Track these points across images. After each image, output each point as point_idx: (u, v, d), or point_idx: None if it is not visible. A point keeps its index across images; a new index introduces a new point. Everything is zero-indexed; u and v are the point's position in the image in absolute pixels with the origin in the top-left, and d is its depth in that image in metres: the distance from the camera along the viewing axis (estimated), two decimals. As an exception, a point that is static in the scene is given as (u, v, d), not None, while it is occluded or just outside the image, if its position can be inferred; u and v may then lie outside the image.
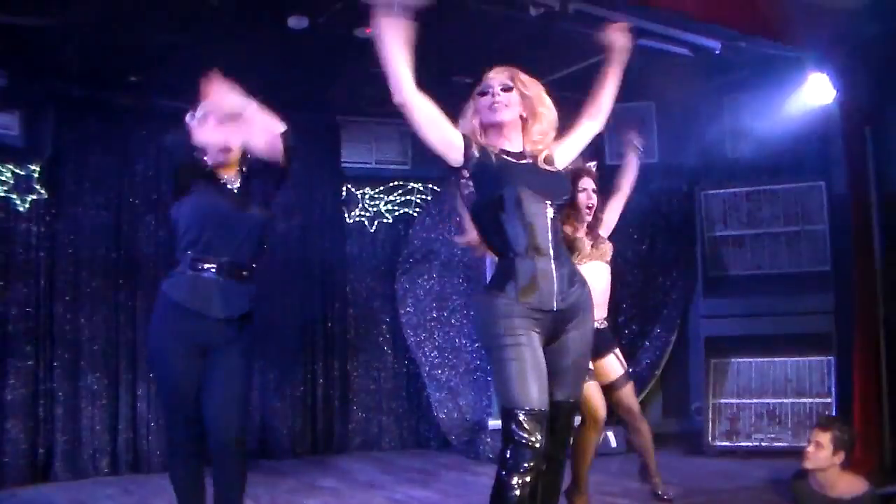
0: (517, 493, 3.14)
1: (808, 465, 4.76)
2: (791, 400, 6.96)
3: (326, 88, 7.28)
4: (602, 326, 5.04)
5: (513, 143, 3.57)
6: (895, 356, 6.06)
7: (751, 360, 7.19)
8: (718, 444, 7.09)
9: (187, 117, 4.03)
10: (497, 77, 3.56)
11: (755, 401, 7.09)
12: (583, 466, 4.98)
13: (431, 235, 8.08)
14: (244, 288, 4.04)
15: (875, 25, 5.94)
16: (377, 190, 8.30)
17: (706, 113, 7.70)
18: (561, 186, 3.60)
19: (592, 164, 5.28)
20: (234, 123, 3.97)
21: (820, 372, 6.91)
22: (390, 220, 8.33)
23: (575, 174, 5.03)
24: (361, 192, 8.26)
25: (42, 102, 6.79)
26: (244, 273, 4.04)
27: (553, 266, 3.38)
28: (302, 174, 7.82)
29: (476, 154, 3.43)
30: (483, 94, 3.56)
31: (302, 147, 7.65)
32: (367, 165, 8.22)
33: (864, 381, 5.99)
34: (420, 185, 8.36)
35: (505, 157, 3.48)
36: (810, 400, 6.89)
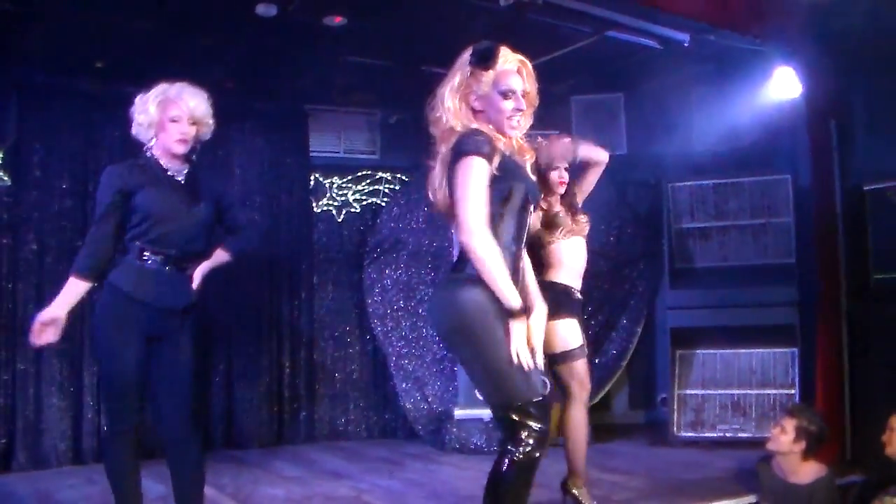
0: (533, 473, 3.24)
1: (770, 445, 4.89)
2: (755, 391, 7.03)
3: (295, 77, 7.25)
4: (578, 297, 5.05)
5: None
6: (857, 348, 6.13)
7: (716, 351, 7.26)
8: (683, 434, 7.14)
9: (151, 99, 4.01)
10: (519, 77, 3.40)
11: (720, 392, 7.15)
12: (578, 449, 4.89)
13: (399, 225, 8.06)
14: (188, 279, 4.12)
15: (841, 20, 5.98)
16: (345, 179, 8.27)
17: (674, 105, 7.73)
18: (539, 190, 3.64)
19: (567, 140, 5.26)
20: (200, 125, 4.08)
21: (784, 363, 6.98)
22: (358, 210, 8.30)
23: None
24: (329, 181, 8.22)
25: (5, 88, 6.71)
26: (190, 265, 4.11)
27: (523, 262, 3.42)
28: (269, 163, 7.81)
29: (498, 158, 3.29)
30: (504, 94, 3.36)
31: (270, 136, 7.76)
32: (336, 155, 8.20)
33: (826, 372, 6.06)
34: (388, 174, 8.34)
35: (510, 155, 3.38)
36: (774, 391, 6.96)
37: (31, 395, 6.64)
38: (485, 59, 3.34)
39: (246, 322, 7.51)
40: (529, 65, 3.45)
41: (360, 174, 8.31)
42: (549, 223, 4.87)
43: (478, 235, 3.13)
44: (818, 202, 6.32)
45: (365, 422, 8.18)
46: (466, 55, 3.39)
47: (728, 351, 7.21)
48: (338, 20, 6.05)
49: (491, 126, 3.35)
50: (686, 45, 6.23)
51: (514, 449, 3.19)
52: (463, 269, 3.30)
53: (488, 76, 3.35)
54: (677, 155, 7.87)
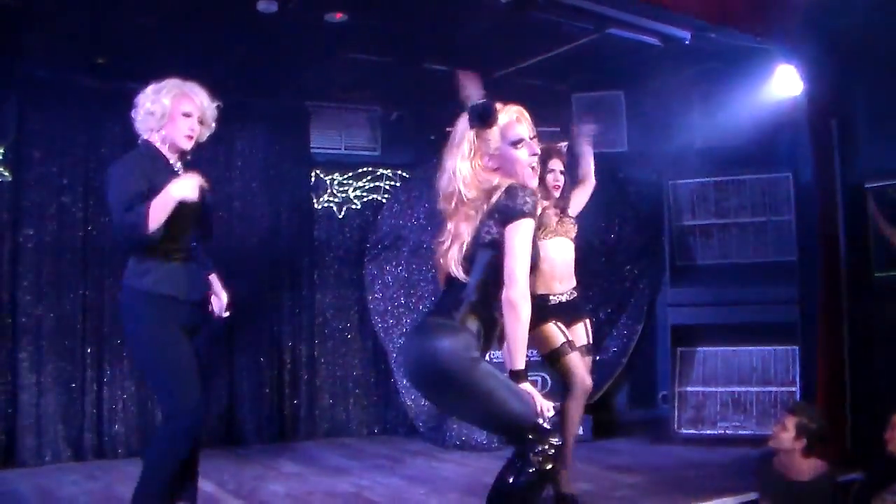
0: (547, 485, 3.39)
1: (771, 443, 4.90)
2: (756, 388, 7.04)
3: (296, 74, 7.25)
4: (571, 297, 5.13)
5: None
6: (858, 346, 6.13)
7: (717, 348, 7.27)
8: (684, 431, 7.15)
9: (166, 91, 4.03)
10: (522, 122, 3.43)
11: (721, 389, 7.16)
12: (567, 438, 4.92)
13: (400, 222, 8.06)
14: (200, 270, 4.20)
15: (842, 18, 5.99)
16: (346, 176, 8.27)
17: (675, 103, 7.72)
18: None
19: (563, 145, 5.29)
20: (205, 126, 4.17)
21: (785, 361, 6.99)
22: (359, 206, 8.30)
23: (545, 153, 5.05)
24: (330, 177, 8.22)
25: (6, 84, 6.70)
26: (196, 256, 4.18)
27: None
28: (270, 159, 7.81)
29: None
30: (515, 144, 3.38)
31: (271, 132, 7.76)
32: (337, 151, 8.21)
33: (827, 370, 6.05)
34: (389, 171, 8.35)
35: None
36: (775, 389, 6.96)
37: (32, 392, 6.64)
38: (486, 117, 3.35)
39: (247, 318, 7.50)
40: (526, 113, 3.47)
41: (360, 171, 8.31)
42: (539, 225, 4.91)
43: (524, 298, 3.20)
44: (819, 200, 6.31)
45: (366, 418, 8.18)
46: (464, 121, 3.41)
47: (729, 348, 7.22)
48: (339, 17, 6.05)
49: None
50: (687, 42, 6.22)
51: (532, 463, 3.20)
52: (450, 315, 3.30)
53: (494, 132, 3.37)
54: (678, 152, 7.86)
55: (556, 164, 5.14)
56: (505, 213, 3.25)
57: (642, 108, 7.96)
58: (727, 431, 7.01)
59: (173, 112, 4.03)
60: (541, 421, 3.21)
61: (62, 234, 6.84)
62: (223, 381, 7.48)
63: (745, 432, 6.90)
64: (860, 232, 6.22)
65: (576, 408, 4.99)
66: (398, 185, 8.32)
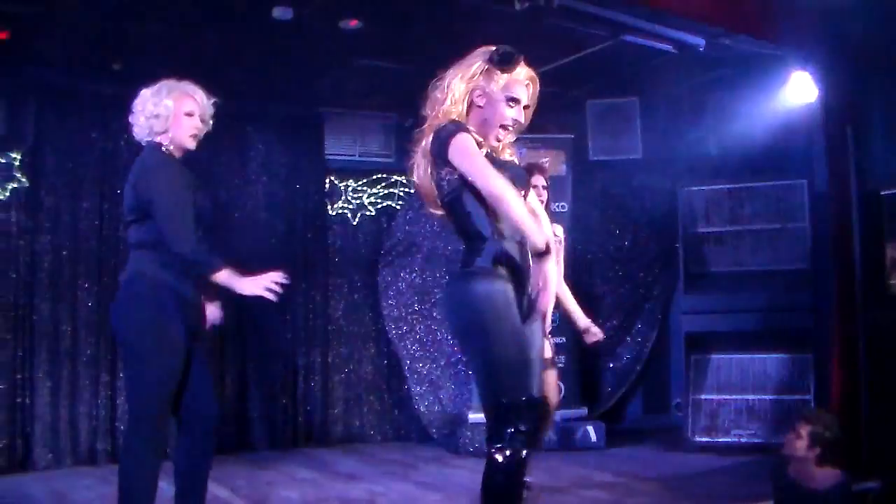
0: (523, 473, 3.27)
1: (785, 451, 4.85)
2: (770, 396, 7.00)
3: (311, 80, 7.28)
4: None
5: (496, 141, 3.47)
6: (874, 354, 6.09)
7: (731, 356, 7.23)
8: (698, 439, 7.12)
9: (166, 92, 4.01)
10: (527, 88, 3.42)
11: (735, 397, 7.13)
12: None
13: (414, 228, 8.08)
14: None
15: (858, 25, 5.97)
16: (360, 182, 8.29)
17: (690, 110, 7.72)
18: (525, 180, 3.59)
19: (545, 161, 5.26)
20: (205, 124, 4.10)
21: (800, 369, 6.95)
22: (373, 213, 8.32)
23: (527, 170, 5.05)
24: (345, 184, 8.24)
25: (24, 90, 6.76)
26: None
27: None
28: (285, 166, 7.84)
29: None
30: (510, 101, 3.36)
31: (285, 139, 7.79)
32: (351, 158, 8.23)
33: (842, 378, 6.03)
34: (403, 177, 8.33)
35: (491, 155, 3.36)
36: (790, 396, 6.93)
37: (46, 396, 6.68)
38: (506, 61, 3.35)
39: (260, 324, 7.52)
40: (538, 84, 3.46)
41: (375, 177, 8.33)
42: None
43: (505, 191, 3.10)
44: (834, 207, 6.29)
45: (379, 424, 8.19)
46: (484, 50, 3.40)
47: (743, 356, 7.18)
48: (353, 24, 6.07)
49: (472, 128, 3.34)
50: (701, 49, 6.21)
51: (499, 448, 3.21)
52: (472, 262, 3.29)
53: (501, 78, 3.36)
54: (692, 159, 7.86)
55: (539, 181, 5.04)
56: (437, 142, 3.26)
57: (657, 114, 7.96)
58: (741, 439, 6.98)
59: (177, 112, 4.00)
60: (522, 398, 3.16)
61: (78, 240, 6.87)
62: (236, 387, 7.49)
63: (759, 440, 6.86)
64: (875, 239, 6.19)
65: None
66: (412, 191, 8.32)
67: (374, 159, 8.29)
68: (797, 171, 7.10)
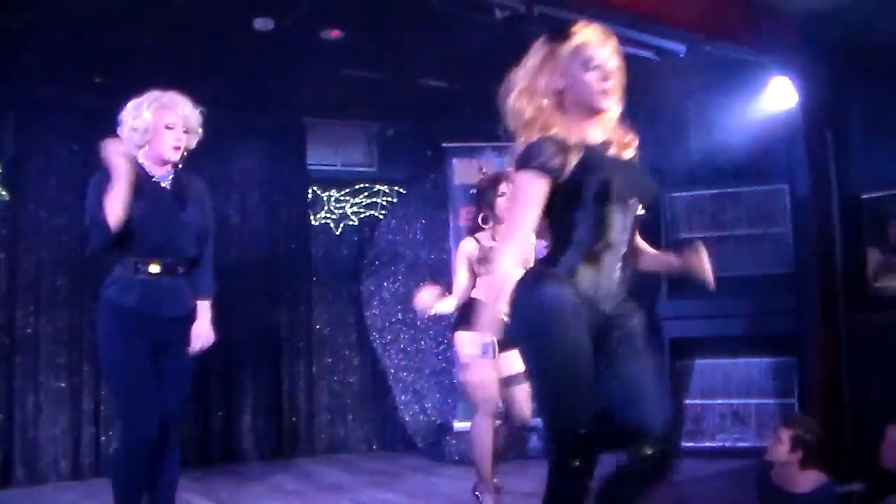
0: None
1: (768, 456, 4.87)
2: (755, 401, 7.02)
3: (292, 90, 7.26)
4: None
5: (596, 131, 3.14)
6: (856, 357, 6.13)
7: (715, 361, 7.25)
8: (683, 444, 7.13)
9: (146, 105, 4.01)
10: (606, 48, 3.01)
11: (719, 401, 7.14)
12: (484, 458, 4.98)
13: (397, 238, 8.07)
14: (187, 286, 4.09)
15: (836, 29, 6.00)
16: (343, 192, 8.28)
17: (671, 116, 7.73)
18: (649, 181, 3.32)
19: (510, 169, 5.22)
20: (191, 134, 4.11)
21: (783, 373, 6.97)
22: (356, 223, 8.31)
23: (495, 179, 5.04)
24: (327, 194, 8.24)
25: (4, 103, 6.72)
26: (186, 271, 4.09)
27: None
28: (267, 176, 7.82)
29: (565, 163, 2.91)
30: (586, 64, 2.96)
31: (267, 149, 7.77)
32: (333, 168, 8.22)
33: (826, 381, 6.06)
34: (386, 187, 8.36)
35: (591, 150, 3.04)
36: (774, 400, 6.95)
37: (29, 410, 6.62)
38: (561, 31, 3.01)
39: (244, 335, 7.49)
40: (615, 40, 3.07)
41: (357, 187, 8.32)
42: (483, 257, 4.87)
43: (510, 254, 2.91)
44: (816, 211, 6.33)
45: (364, 434, 8.18)
46: (542, 40, 3.07)
47: (727, 360, 7.20)
48: (335, 34, 6.07)
49: (568, 118, 3.01)
50: (682, 56, 6.24)
51: (554, 475, 2.97)
52: (554, 263, 2.99)
53: (566, 48, 2.98)
54: (674, 165, 7.87)
55: (508, 189, 4.88)
56: (515, 160, 2.95)
57: (637, 121, 7.93)
58: (726, 444, 7.00)
59: (156, 125, 4.00)
60: (571, 430, 2.84)
61: (59, 252, 6.83)
62: (221, 398, 7.46)
63: (744, 444, 6.88)
64: (857, 242, 6.23)
65: (484, 427, 5.02)
66: (395, 201, 8.33)
67: (357, 169, 8.27)
68: (778, 176, 7.13)
